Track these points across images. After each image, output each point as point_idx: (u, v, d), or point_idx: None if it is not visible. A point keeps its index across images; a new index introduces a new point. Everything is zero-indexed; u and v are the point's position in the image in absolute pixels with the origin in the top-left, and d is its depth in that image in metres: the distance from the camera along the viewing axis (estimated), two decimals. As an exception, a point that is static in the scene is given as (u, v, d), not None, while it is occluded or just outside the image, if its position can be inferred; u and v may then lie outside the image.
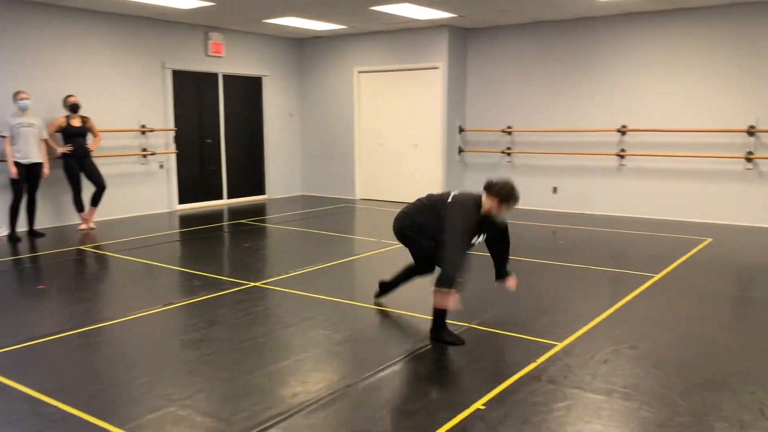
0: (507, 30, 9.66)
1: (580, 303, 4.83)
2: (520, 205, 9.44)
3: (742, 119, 8.08)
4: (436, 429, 2.82)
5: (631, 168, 8.95)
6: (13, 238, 7.23)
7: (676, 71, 8.46)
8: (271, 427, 2.84)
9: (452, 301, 3.70)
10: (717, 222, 8.35)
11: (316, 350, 3.82)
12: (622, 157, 8.97)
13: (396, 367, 3.54)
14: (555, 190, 9.62)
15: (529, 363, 3.59)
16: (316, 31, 10.28)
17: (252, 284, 5.29)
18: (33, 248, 6.81)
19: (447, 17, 8.86)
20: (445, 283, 3.69)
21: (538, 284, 5.36)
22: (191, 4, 7.96)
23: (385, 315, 4.53)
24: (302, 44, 11.25)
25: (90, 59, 8.38)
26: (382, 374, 3.44)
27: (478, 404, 3.08)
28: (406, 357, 3.69)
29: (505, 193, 3.97)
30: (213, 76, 10.01)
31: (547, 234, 7.77)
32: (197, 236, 7.64)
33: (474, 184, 10.27)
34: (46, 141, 7.54)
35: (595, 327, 4.23)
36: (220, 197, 10.32)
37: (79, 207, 7.90)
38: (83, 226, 7.93)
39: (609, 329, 4.19)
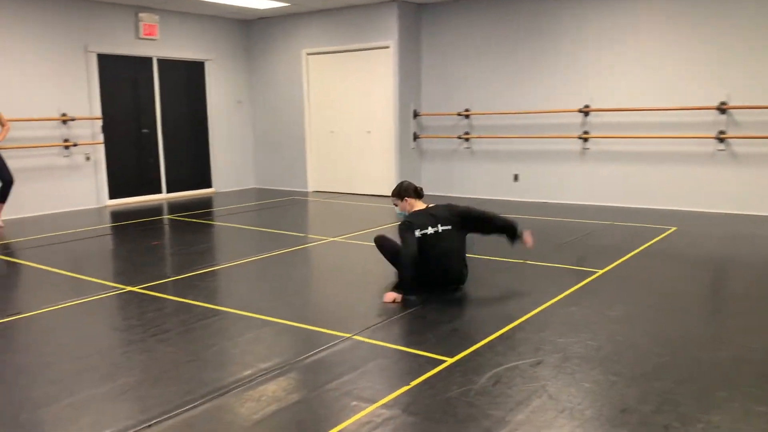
0: (463, 5, 8.90)
1: (494, 307, 4.11)
2: (480, 194, 8.85)
3: (712, 96, 7.32)
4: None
5: (595, 152, 8.20)
6: None
7: (641, 46, 7.70)
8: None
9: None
10: (686, 209, 7.61)
11: (148, 373, 3.10)
12: (585, 140, 8.22)
13: (239, 390, 2.82)
14: (516, 177, 8.87)
15: (399, 388, 2.88)
16: (261, 10, 9.54)
17: (127, 289, 4.58)
18: None
19: (392, -10, 8.10)
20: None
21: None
22: (104, -22, 7.23)
23: (252, 324, 3.80)
24: (248, 26, 10.50)
25: (-2, 42, 7.65)
26: (216, 401, 2.73)
27: (303, 449, 2.36)
28: (249, 382, 2.98)
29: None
30: (147, 61, 9.27)
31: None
32: (109, 234, 6.93)
33: (430, 174, 9.54)
34: (-61, 131, 6.84)
35: (501, 336, 3.51)
36: (159, 191, 9.59)
37: (-15, 204, 7.21)
38: (-11, 225, 7.23)
39: (517, 339, 3.46)
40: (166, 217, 7.95)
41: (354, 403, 2.73)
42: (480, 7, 8.75)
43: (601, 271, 4.86)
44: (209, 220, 7.69)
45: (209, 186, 10.29)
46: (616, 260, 5.20)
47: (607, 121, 8.04)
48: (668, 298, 4.23)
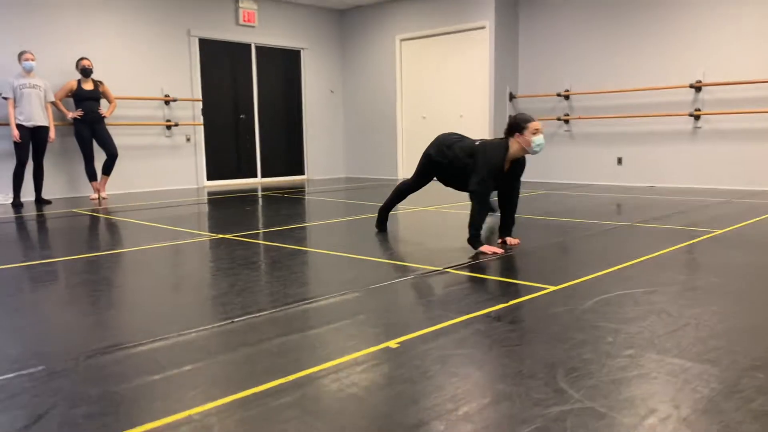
0: (562, -18, 8.56)
1: (600, 253, 3.76)
2: (581, 179, 8.42)
3: None
4: (338, 358, 1.95)
5: (709, 130, 7.60)
6: (16, 204, 6.91)
7: (759, 10, 7.08)
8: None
9: (488, 249, 3.76)
10: (816, 189, 6.89)
11: (234, 287, 3.01)
12: (697, 117, 7.63)
13: (323, 300, 2.67)
14: (620, 161, 8.37)
15: (498, 303, 2.63)
16: (356, -3, 9.58)
17: (219, 236, 4.57)
18: (23, 211, 6.42)
19: (489, -34, 7.89)
20: (476, 224, 3.79)
21: (557, 239, 4.32)
22: (206, -42, 7.45)
23: (340, 260, 3.65)
24: (343, 16, 10.57)
25: (108, 22, 8.02)
26: (300, 307, 2.59)
27: (392, 343, 2.16)
28: (333, 295, 2.82)
29: (519, 123, 3.88)
30: (245, 47, 9.49)
31: (602, 202, 6.60)
32: (206, 203, 7.05)
33: (528, 159, 9.18)
34: (53, 104, 7.22)
35: (610, 273, 3.18)
36: (254, 175, 9.76)
37: (91, 175, 7.52)
38: (94, 196, 7.53)
39: (629, 274, 3.13)
40: (260, 192, 8.04)
41: (444, 313, 2.51)
42: (581, -17, 8.39)
43: (719, 231, 4.40)
44: (301, 195, 7.69)
45: (302, 173, 10.37)
46: (735, 224, 4.71)
47: (721, 97, 7.44)
48: (803, 252, 3.74)
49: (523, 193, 7.42)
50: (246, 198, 7.46)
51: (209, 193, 8.23)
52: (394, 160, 10.16)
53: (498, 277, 3.14)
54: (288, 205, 6.73)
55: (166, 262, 3.73)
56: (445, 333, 2.26)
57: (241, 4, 9.19)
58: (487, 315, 2.47)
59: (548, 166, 8.98)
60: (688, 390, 1.73)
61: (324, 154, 10.59)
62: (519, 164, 4.06)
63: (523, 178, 9.25)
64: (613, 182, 8.39)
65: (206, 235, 4.61)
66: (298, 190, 8.46)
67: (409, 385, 1.80)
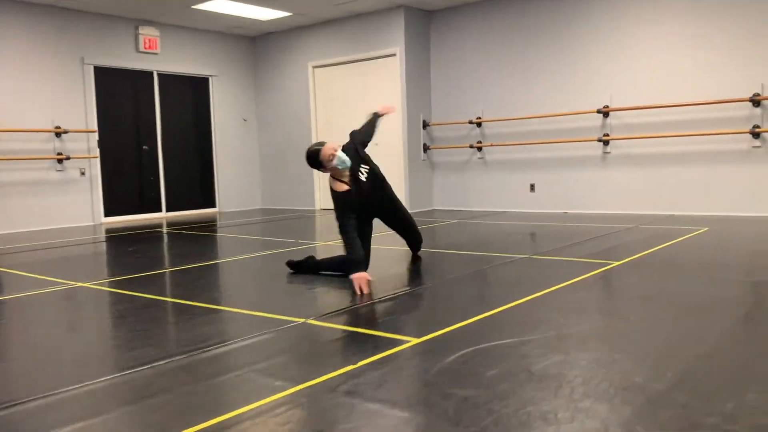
0: (473, 9, 8.47)
1: (489, 294, 3.49)
2: (496, 207, 8.26)
3: (744, 87, 6.67)
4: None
5: (617, 155, 7.56)
6: None
7: (663, 37, 7.12)
8: None
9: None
10: (719, 213, 6.89)
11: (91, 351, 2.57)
12: (606, 143, 7.59)
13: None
14: (532, 187, 8.25)
15: (343, 366, 2.28)
16: (266, 24, 9.26)
17: (78, 284, 4.09)
18: None
19: (396, -8, 7.72)
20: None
21: (445, 278, 4.03)
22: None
23: (200, 311, 3.25)
24: (254, 42, 10.24)
25: (-10, 52, 7.44)
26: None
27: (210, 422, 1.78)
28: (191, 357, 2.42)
29: (318, 163, 3.97)
30: (147, 75, 9.01)
31: (510, 230, 6.40)
32: (89, 243, 6.51)
33: (443, 186, 8.99)
34: None
35: (484, 319, 2.89)
36: (159, 209, 9.21)
37: (-34, 215, 6.88)
38: (-30, 238, 6.89)
39: (507, 321, 2.84)
40: (163, 229, 7.52)
41: (278, 383, 2.14)
42: (489, 9, 8.31)
43: (617, 263, 4.21)
44: (202, 231, 7.22)
45: (213, 206, 9.89)
46: (637, 254, 4.54)
47: (628, 122, 7.42)
48: (697, 284, 3.55)
49: (435, 223, 7.17)
50: (137, 236, 6.94)
51: (106, 231, 7.67)
52: (311, 190, 9.81)
53: (360, 329, 2.80)
54: (183, 242, 6.26)
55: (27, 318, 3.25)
56: (263, 413, 1.89)
57: (140, 31, 8.73)
58: (328, 384, 2.12)
59: (463, 193, 8.79)
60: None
61: (237, 185, 10.14)
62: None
63: (437, 206, 9.05)
64: (528, 209, 8.26)
65: (64, 284, 4.12)
66: (205, 224, 7.98)
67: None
